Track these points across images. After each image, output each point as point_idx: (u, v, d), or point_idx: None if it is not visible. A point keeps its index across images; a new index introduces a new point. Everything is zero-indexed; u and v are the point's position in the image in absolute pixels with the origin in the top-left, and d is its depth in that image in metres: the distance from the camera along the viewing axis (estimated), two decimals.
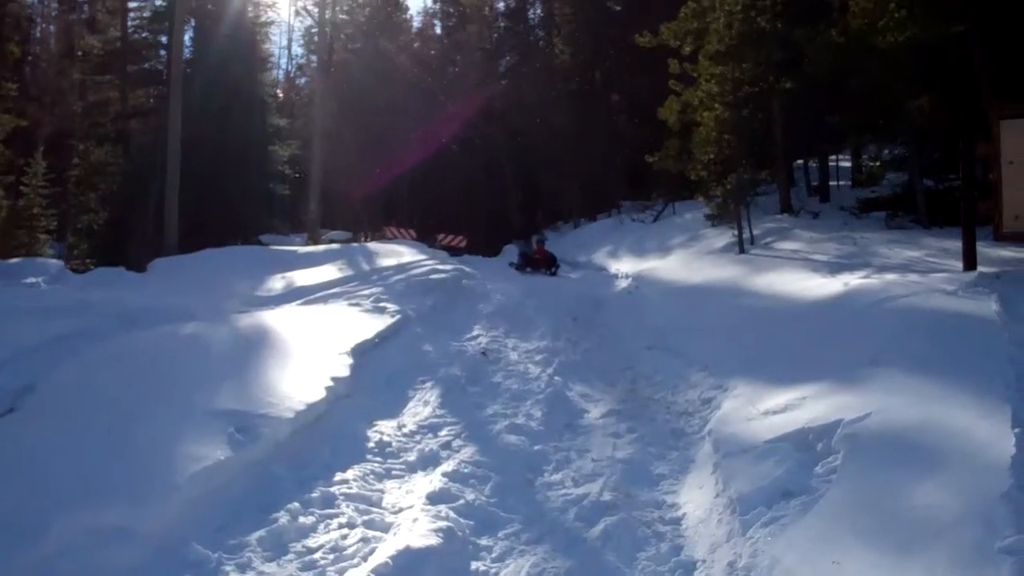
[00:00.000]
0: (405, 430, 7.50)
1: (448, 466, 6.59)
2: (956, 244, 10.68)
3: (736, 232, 16.59)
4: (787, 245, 15.37)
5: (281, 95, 47.11)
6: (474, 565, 5.25)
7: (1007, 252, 11.48)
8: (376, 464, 6.71)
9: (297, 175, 34.76)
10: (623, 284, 16.34)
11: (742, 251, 16.01)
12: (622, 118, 33.80)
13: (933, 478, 4.65)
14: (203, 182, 27.10)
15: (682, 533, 5.70)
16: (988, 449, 4.77)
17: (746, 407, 7.11)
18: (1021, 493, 4.25)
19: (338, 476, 6.28)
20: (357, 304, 11.74)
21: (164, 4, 32.59)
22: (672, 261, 17.20)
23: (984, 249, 10.76)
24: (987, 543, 3.88)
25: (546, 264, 21.65)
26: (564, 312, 13.13)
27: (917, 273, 10.25)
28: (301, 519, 5.56)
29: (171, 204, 21.84)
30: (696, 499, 6.12)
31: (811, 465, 5.54)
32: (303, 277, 14.86)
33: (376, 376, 8.88)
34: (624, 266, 18.49)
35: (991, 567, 3.71)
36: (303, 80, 54.53)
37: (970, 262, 10.19)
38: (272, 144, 35.56)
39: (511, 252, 21.92)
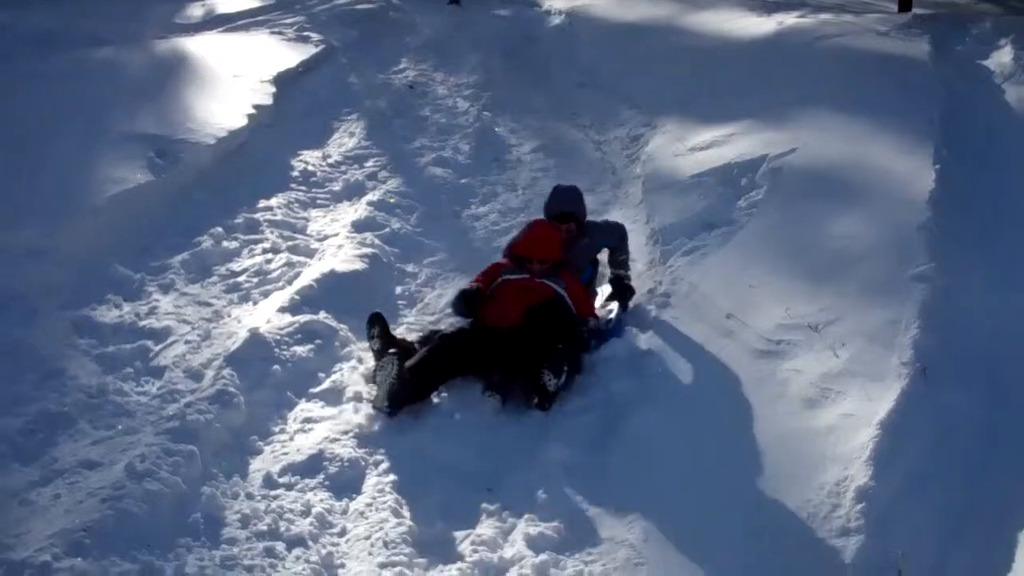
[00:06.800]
0: (330, 160, 7.38)
1: (374, 196, 6.56)
2: None
3: None
4: None
5: None
6: (399, 289, 5.33)
7: None
8: (301, 193, 6.64)
9: None
10: (556, 21, 15.75)
11: None
12: None
13: (853, 211, 4.75)
14: None
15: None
16: (908, 184, 4.86)
17: (674, 143, 7.12)
18: (937, 225, 4.36)
19: (262, 203, 6.22)
20: (280, 33, 11.25)
21: None
22: None
23: None
24: (900, 271, 4.01)
25: None
26: (495, 47, 12.74)
27: (852, 14, 10.09)
28: (225, 244, 5.54)
29: None
30: None
31: (734, 199, 5.61)
32: (223, 4, 14.18)
33: (299, 106, 8.63)
34: (557, 1, 17.85)
35: (902, 293, 3.85)
36: None
37: (906, 3, 10.06)
38: None
39: None
